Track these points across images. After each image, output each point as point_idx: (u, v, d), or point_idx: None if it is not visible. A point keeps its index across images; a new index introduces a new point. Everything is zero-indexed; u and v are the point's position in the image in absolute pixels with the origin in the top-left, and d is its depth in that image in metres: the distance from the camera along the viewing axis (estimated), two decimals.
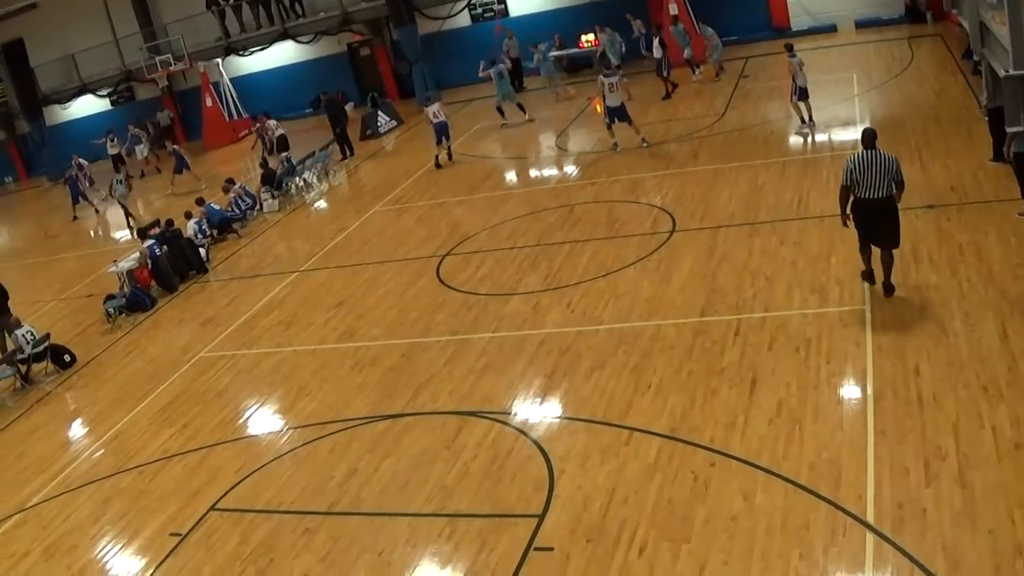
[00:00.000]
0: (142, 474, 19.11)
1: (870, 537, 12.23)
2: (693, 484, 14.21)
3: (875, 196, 17.92)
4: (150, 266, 30.28)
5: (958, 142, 26.16)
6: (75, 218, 47.08)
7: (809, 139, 30.06)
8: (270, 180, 38.26)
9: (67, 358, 26.39)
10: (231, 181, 37.89)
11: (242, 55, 58.82)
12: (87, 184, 49.17)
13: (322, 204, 38.14)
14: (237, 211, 36.38)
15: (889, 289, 18.52)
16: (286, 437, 19.10)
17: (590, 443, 16.02)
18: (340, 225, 33.09)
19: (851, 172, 17.98)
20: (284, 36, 56.88)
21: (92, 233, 43.15)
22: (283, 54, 58.78)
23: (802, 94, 30.57)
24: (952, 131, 27.23)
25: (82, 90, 63.50)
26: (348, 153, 44.01)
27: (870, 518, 12.54)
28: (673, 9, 45.29)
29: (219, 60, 58.51)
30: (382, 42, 56.64)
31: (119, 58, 61.51)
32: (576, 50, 51.15)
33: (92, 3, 60.88)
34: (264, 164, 40.25)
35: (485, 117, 43.36)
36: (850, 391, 15.87)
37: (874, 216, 18.14)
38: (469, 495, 15.45)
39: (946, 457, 13.39)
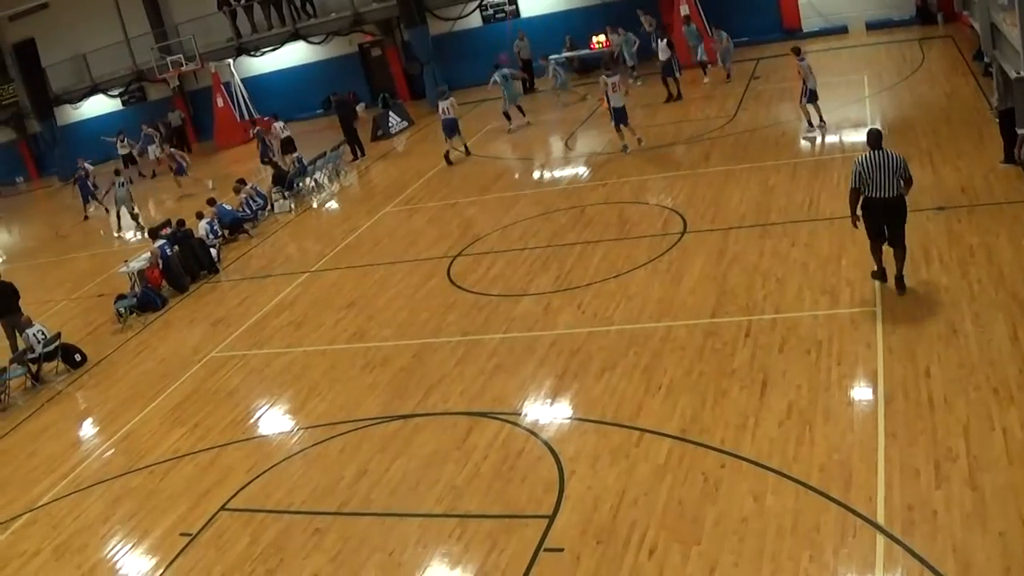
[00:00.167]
0: (152, 474, 19.13)
1: (880, 539, 12.22)
2: (703, 485, 14.20)
3: (885, 195, 18.03)
4: (161, 266, 30.33)
5: (969, 144, 26.12)
6: (86, 218, 47.18)
7: (819, 141, 30.01)
8: (281, 180, 38.33)
9: (78, 357, 26.44)
10: (242, 181, 37.95)
11: (253, 55, 58.91)
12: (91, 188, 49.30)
13: (333, 204, 38.20)
14: (248, 211, 36.42)
15: (901, 285, 18.60)
16: (296, 437, 19.12)
17: (600, 444, 16.02)
18: (351, 226, 33.12)
19: (859, 174, 18.05)
20: (295, 37, 56.98)
21: (103, 233, 43.13)
22: (294, 55, 58.86)
23: (812, 96, 30.53)
24: (963, 133, 27.20)
25: (93, 90, 63.68)
26: (359, 154, 44.00)
27: (880, 520, 12.52)
28: (684, 9, 45.31)
29: (230, 60, 58.58)
30: (393, 43, 56.72)
31: (130, 58, 61.70)
32: (587, 51, 51.11)
33: (103, 3, 61.07)
34: (274, 165, 40.21)
35: (496, 118, 43.33)
36: (861, 393, 15.84)
37: (885, 215, 18.22)
38: (479, 496, 15.46)
39: (957, 459, 13.37)
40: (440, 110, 38.67)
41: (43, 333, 25.73)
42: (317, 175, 39.93)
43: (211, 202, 35.46)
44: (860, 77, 36.78)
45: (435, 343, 21.76)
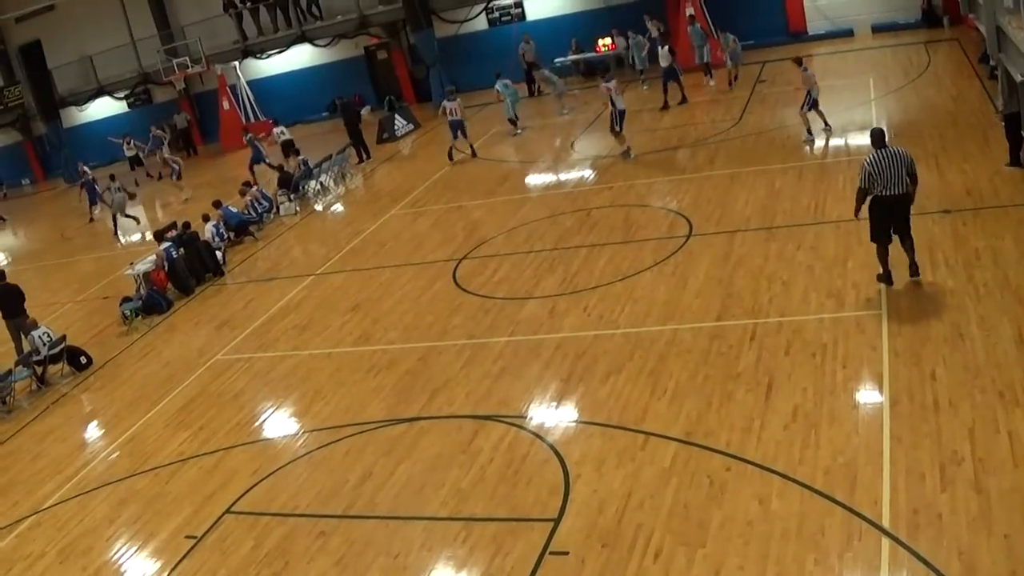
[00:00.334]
0: (157, 476, 19.13)
1: (885, 542, 12.21)
2: (709, 489, 14.20)
3: (895, 192, 18.25)
4: (167, 268, 30.33)
5: (974, 147, 26.12)
6: (91, 220, 47.13)
7: (824, 144, 29.98)
8: (287, 183, 38.33)
9: (83, 360, 26.46)
10: (248, 184, 38.00)
11: (259, 58, 58.99)
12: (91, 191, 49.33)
13: (338, 207, 38.22)
14: (254, 214, 36.46)
15: (916, 270, 18.84)
16: (301, 440, 19.12)
17: (606, 447, 16.01)
18: (356, 228, 33.13)
19: (869, 173, 18.14)
20: (301, 39, 57.06)
21: (109, 235, 43.14)
22: (300, 57, 58.93)
23: (813, 104, 30.49)
24: (969, 135, 27.20)
25: (99, 92, 63.80)
26: (364, 156, 44.03)
27: (885, 523, 12.51)
28: (689, 10, 45.30)
29: (236, 63, 58.67)
30: (399, 46, 56.76)
31: (136, 60, 61.79)
32: (593, 54, 51.12)
33: (110, 5, 61.11)
34: (271, 167, 40.17)
35: (501, 122, 43.30)
36: (866, 396, 15.83)
37: (894, 212, 18.44)
38: (484, 499, 15.45)
39: (962, 462, 13.36)
40: (448, 111, 38.81)
41: (48, 335, 25.74)
42: (323, 178, 39.96)
43: (217, 204, 35.47)
44: (866, 80, 36.83)
45: (440, 346, 21.77)
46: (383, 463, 17.30)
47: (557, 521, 14.32)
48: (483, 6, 53.68)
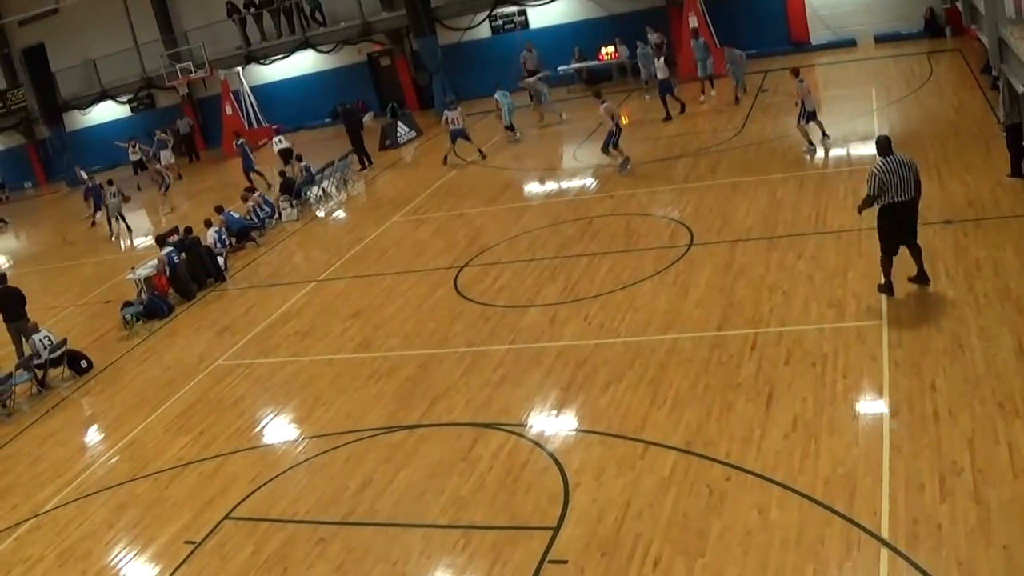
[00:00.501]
0: (157, 481, 19.15)
1: (885, 552, 12.21)
2: (708, 498, 14.21)
3: (904, 198, 18.35)
4: (168, 273, 30.36)
5: (976, 157, 26.13)
6: (93, 223, 47.04)
7: (823, 155, 29.98)
8: (289, 189, 38.34)
9: (84, 364, 26.49)
10: (250, 190, 38.02)
11: (262, 64, 59.02)
12: (85, 197, 49.32)
13: (340, 214, 38.25)
14: (256, 220, 36.47)
15: (925, 279, 18.99)
16: (301, 446, 19.14)
17: (605, 456, 16.02)
18: (358, 235, 33.15)
19: (880, 180, 18.16)
20: (304, 45, 57.09)
21: (112, 239, 43.17)
22: (303, 63, 58.94)
23: (810, 116, 30.46)
24: (970, 146, 27.22)
25: (102, 96, 63.78)
26: (366, 163, 44.04)
27: (885, 533, 12.52)
28: (693, 22, 45.31)
29: (239, 68, 58.73)
30: (402, 52, 56.76)
31: (140, 65, 61.74)
32: (596, 62, 51.15)
33: (114, 9, 61.13)
34: (282, 175, 40.18)
35: (502, 130, 43.28)
36: (866, 406, 15.86)
37: (903, 219, 18.53)
38: (484, 507, 15.46)
39: (961, 473, 13.37)
40: (450, 120, 39.20)
41: (49, 339, 25.77)
42: (325, 184, 39.96)
43: (219, 210, 35.51)
44: (868, 90, 36.83)
45: (441, 353, 21.78)
46: (383, 470, 17.31)
47: (556, 529, 14.33)
48: (486, 14, 53.65)
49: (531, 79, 46.02)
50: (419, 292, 26.01)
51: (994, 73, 29.47)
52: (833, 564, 12.22)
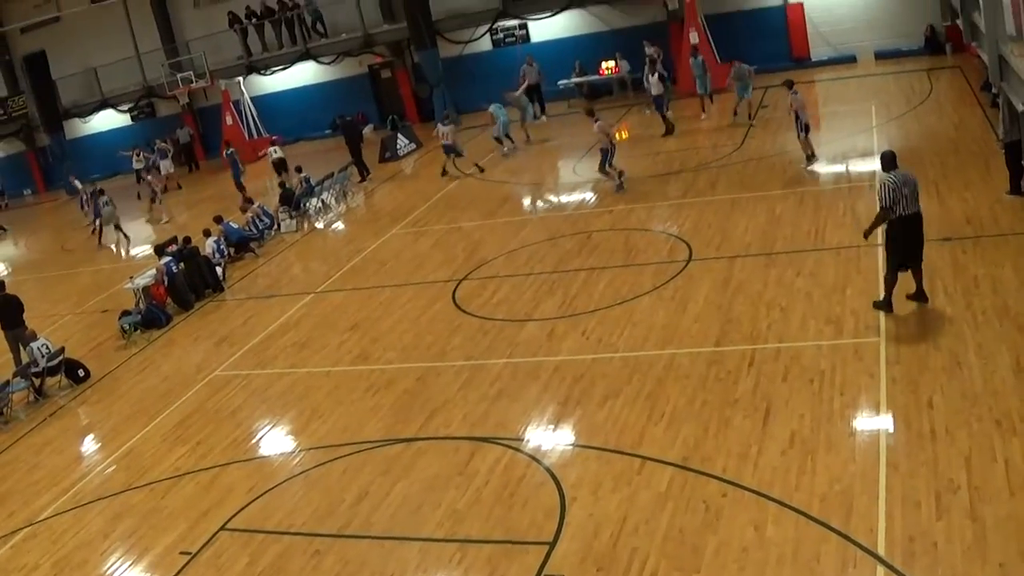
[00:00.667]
0: (153, 491, 19.14)
1: (880, 570, 12.21)
2: (704, 514, 14.20)
3: (914, 211, 18.44)
4: (166, 283, 30.35)
5: (976, 174, 26.17)
6: (93, 231, 46.96)
7: (812, 171, 30.01)
8: (288, 200, 38.35)
9: (81, 373, 26.48)
10: (249, 200, 38.03)
11: (263, 74, 59.09)
12: (84, 206, 49.34)
13: (339, 225, 38.27)
14: (255, 230, 36.47)
15: (925, 297, 19.08)
16: (298, 458, 19.13)
17: (602, 471, 16.02)
18: (357, 247, 33.17)
19: (894, 191, 18.21)
20: (306, 56, 57.16)
21: (113, 248, 43.15)
22: (304, 74, 58.97)
23: (807, 130, 30.44)
24: (970, 163, 27.26)
25: (103, 104, 63.82)
26: (365, 175, 44.05)
27: (881, 551, 12.51)
28: (693, 38, 45.36)
29: (240, 79, 58.77)
30: (403, 65, 56.79)
31: (141, 74, 61.78)
32: (596, 77, 51.19)
33: (115, 18, 61.15)
34: (281, 186, 40.18)
35: (493, 140, 43.29)
36: (863, 423, 15.85)
37: (915, 233, 18.62)
38: (480, 521, 15.45)
39: (958, 490, 13.38)
40: (440, 135, 39.81)
41: (47, 347, 25.78)
42: (324, 195, 39.97)
43: (218, 220, 35.50)
44: (868, 106, 36.86)
45: (439, 367, 21.78)
46: (379, 483, 17.30)
47: (552, 544, 14.32)
48: (488, 27, 53.71)
49: (516, 93, 45.89)
50: (417, 305, 26.02)
51: (994, 90, 29.50)
52: None
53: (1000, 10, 23.92)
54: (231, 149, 47.02)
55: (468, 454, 17.61)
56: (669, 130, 39.38)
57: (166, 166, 55.16)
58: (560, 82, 50.89)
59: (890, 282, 18.97)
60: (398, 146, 48.50)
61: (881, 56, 45.49)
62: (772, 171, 30.91)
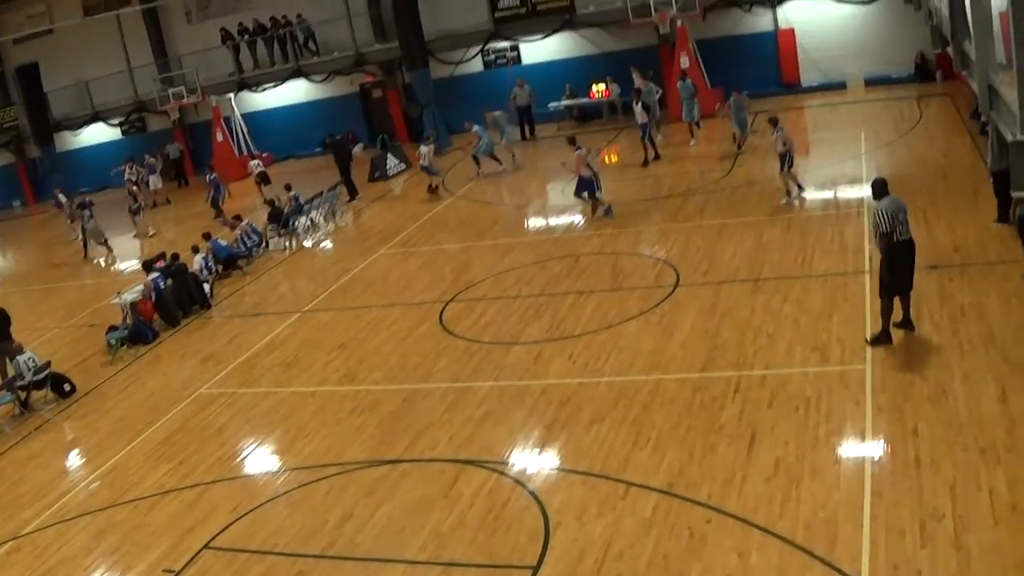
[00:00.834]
0: (137, 508, 19.08)
1: None
2: (689, 540, 14.19)
3: (908, 237, 18.56)
4: (154, 299, 30.31)
5: (964, 202, 26.26)
6: (82, 243, 46.87)
7: (799, 204, 29.95)
8: (277, 218, 38.32)
9: (67, 387, 26.41)
10: (238, 217, 37.99)
11: (255, 91, 59.11)
12: (67, 220, 49.44)
13: (328, 244, 38.26)
14: (243, 248, 36.44)
15: (910, 326, 19.13)
16: (282, 478, 19.09)
17: (587, 496, 16.02)
18: (345, 266, 33.15)
19: (893, 215, 18.30)
20: (297, 74, 57.20)
21: (101, 262, 43.09)
22: (295, 92, 58.97)
23: (791, 164, 30.16)
24: (958, 191, 27.34)
25: (94, 118, 63.77)
26: (353, 194, 44.03)
27: None
28: (684, 62, 45.45)
29: (231, 95, 58.78)
30: (394, 84, 56.81)
31: (132, 88, 61.84)
32: (587, 100, 51.27)
33: (108, 31, 61.14)
34: (271, 203, 40.17)
35: (490, 163, 43.26)
36: (848, 451, 15.89)
37: (910, 256, 18.68)
38: (464, 544, 15.42)
39: (942, 519, 13.39)
40: (421, 155, 40.80)
41: (34, 361, 25.72)
42: (313, 214, 39.93)
43: (207, 236, 35.47)
44: (857, 133, 36.98)
45: (425, 388, 21.77)
46: (364, 504, 17.28)
47: (536, 569, 14.31)
48: (479, 48, 53.80)
49: (496, 113, 45.84)
50: (404, 326, 26.01)
51: (983, 118, 29.58)
52: None
53: (991, 40, 23.99)
54: (214, 175, 46.88)
55: (453, 477, 17.58)
56: (647, 160, 39.23)
57: (154, 181, 55.08)
58: (550, 104, 50.97)
59: (887, 311, 18.93)
60: (387, 166, 48.47)
61: (871, 83, 45.66)
62: (761, 197, 30.94)
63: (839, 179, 31.37)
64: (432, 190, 40.80)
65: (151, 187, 54.67)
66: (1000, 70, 24.33)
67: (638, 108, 39.42)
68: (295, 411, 22.18)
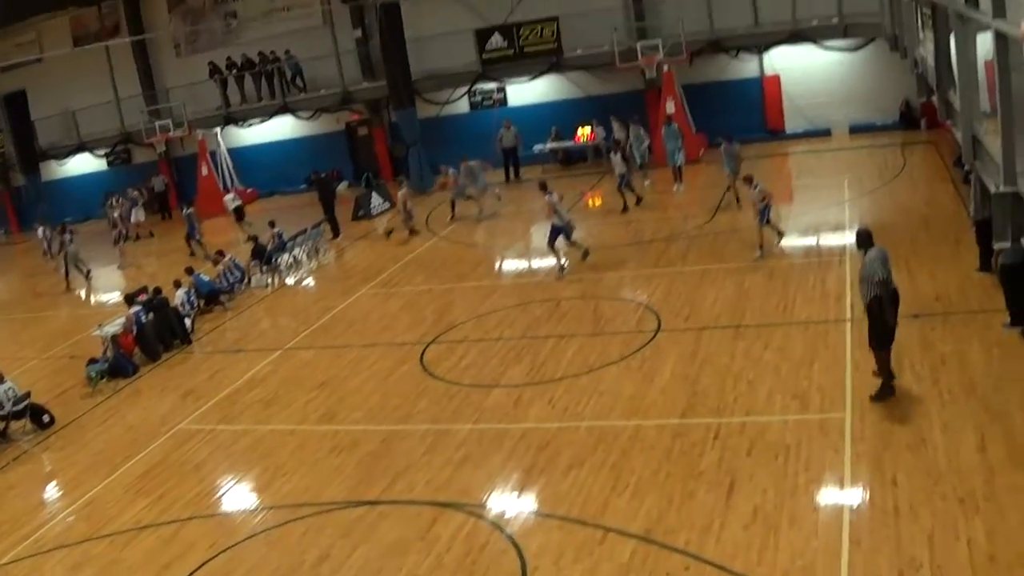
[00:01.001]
0: (114, 543, 19.02)
1: None
2: None
3: (894, 286, 18.61)
4: (135, 332, 30.25)
5: (946, 250, 26.40)
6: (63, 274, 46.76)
7: (780, 250, 29.91)
8: (260, 255, 38.28)
9: (46, 418, 26.31)
10: (221, 253, 37.93)
11: (241, 126, 59.07)
12: (47, 247, 49.57)
13: (310, 282, 38.24)
14: (225, 283, 36.38)
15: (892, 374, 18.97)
16: (260, 517, 19.03)
17: (564, 541, 16.00)
18: (327, 305, 33.12)
19: (884, 262, 18.39)
20: (284, 110, 57.15)
21: (81, 294, 42.98)
22: (281, 128, 58.91)
23: (768, 217, 29.76)
24: (941, 239, 27.48)
25: (80, 148, 63.54)
26: (337, 232, 43.99)
27: None
28: (670, 107, 45.56)
29: (218, 129, 58.70)
30: (380, 123, 56.86)
31: (119, 119, 61.76)
32: (572, 143, 51.37)
33: (96, 62, 61.02)
34: (253, 239, 40.17)
35: (475, 206, 43.25)
36: (826, 499, 15.93)
37: (896, 306, 18.61)
38: None
39: (920, 568, 13.43)
40: (399, 199, 41.62)
41: (13, 391, 25.68)
42: (296, 251, 39.88)
43: (189, 271, 35.41)
44: (841, 180, 37.07)
45: (404, 429, 21.75)
46: (340, 545, 17.23)
47: None
48: (466, 89, 53.92)
49: (472, 163, 45.64)
50: (385, 366, 25.99)
51: (966, 167, 29.71)
52: None
53: (975, 90, 24.13)
54: (190, 210, 46.77)
55: (430, 519, 17.55)
56: (626, 207, 39.17)
57: (136, 214, 55.00)
58: (536, 147, 51.01)
59: (887, 362, 18.86)
60: (372, 204, 48.40)
61: (856, 130, 45.88)
62: (743, 244, 30.92)
63: (822, 226, 31.49)
64: (403, 232, 41.18)
65: (132, 220, 54.55)
66: (984, 119, 24.49)
67: (616, 158, 39.28)
68: (274, 449, 22.12)
